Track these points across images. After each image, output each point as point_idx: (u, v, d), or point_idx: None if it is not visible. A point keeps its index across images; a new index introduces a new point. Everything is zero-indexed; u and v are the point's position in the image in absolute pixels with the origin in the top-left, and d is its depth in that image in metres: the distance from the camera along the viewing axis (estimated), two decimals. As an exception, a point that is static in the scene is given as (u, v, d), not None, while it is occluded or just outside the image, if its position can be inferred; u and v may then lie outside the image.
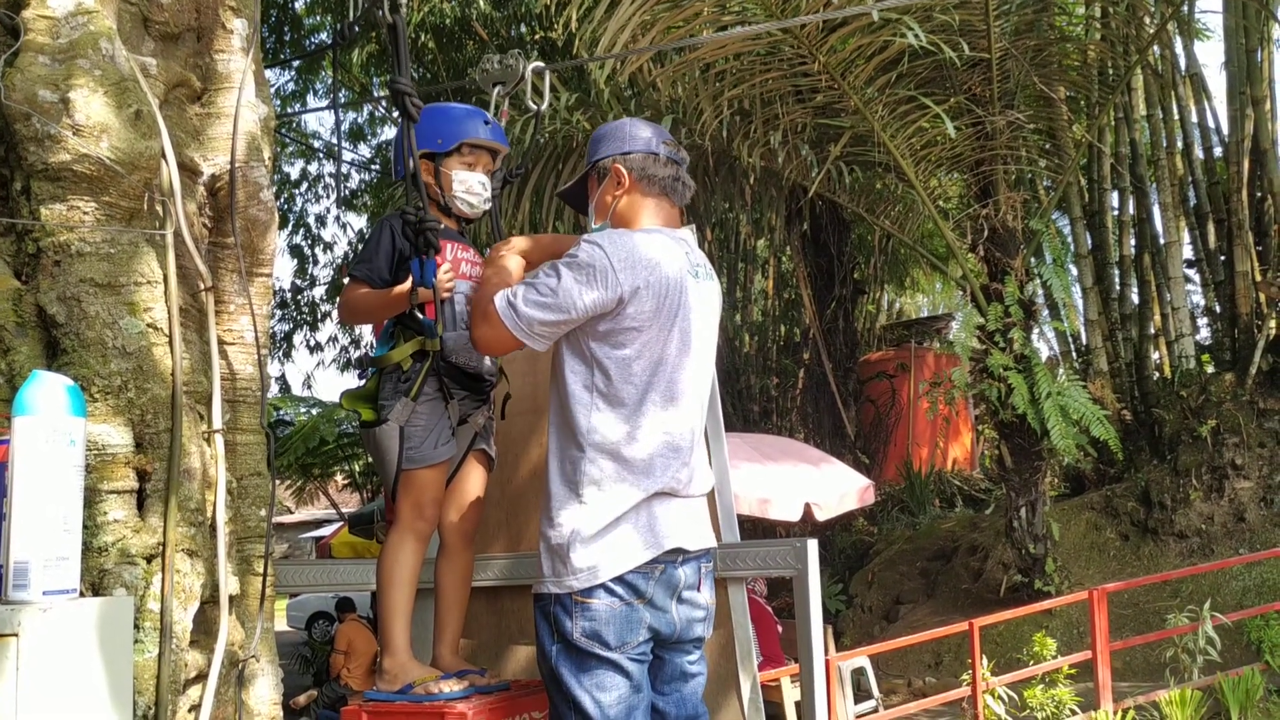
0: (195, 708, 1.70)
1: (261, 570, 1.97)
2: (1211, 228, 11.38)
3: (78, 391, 1.54)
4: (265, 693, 1.95)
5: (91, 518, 1.61)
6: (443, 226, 2.67)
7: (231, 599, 1.79)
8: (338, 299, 2.62)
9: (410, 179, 2.52)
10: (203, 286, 1.88)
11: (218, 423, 1.83)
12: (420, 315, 2.59)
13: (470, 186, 2.76)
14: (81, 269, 1.69)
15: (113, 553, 1.61)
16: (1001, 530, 10.25)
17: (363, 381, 2.76)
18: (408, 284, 2.58)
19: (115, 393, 1.67)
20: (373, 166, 16.56)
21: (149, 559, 1.65)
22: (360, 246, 2.96)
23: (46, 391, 1.49)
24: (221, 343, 1.98)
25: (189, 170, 1.93)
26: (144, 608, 1.61)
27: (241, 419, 1.99)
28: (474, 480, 2.84)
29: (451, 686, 2.63)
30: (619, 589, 2.26)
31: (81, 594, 1.54)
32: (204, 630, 1.76)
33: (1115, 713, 6.99)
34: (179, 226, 1.81)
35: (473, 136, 2.74)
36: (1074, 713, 6.93)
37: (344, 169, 16.73)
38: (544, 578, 2.30)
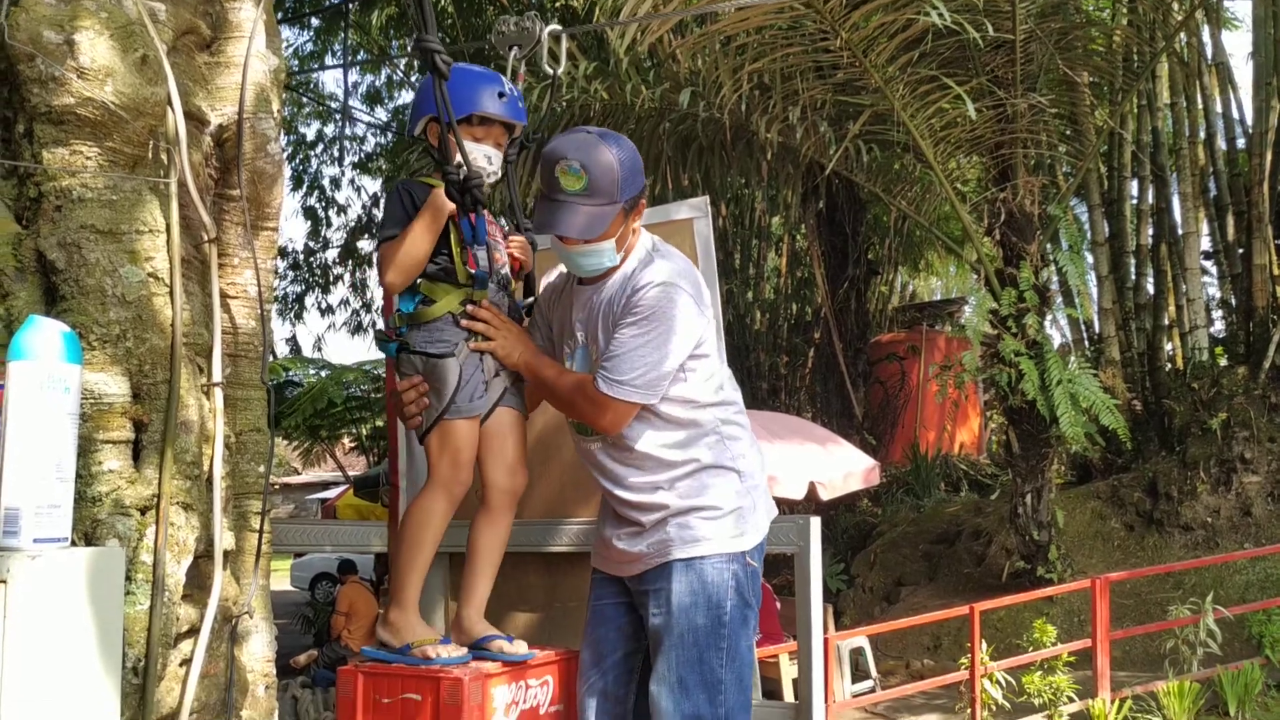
0: (186, 661, 1.69)
1: (258, 527, 1.95)
2: (1231, 220, 11.26)
3: (74, 338, 1.51)
4: (259, 649, 1.94)
5: (86, 467, 1.59)
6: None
7: (227, 554, 1.77)
8: (379, 275, 2.54)
9: (448, 137, 2.43)
10: (206, 238, 1.86)
11: (217, 376, 1.81)
12: (470, 270, 2.53)
13: (475, 159, 2.57)
14: (83, 215, 1.66)
15: (106, 503, 1.59)
16: (1006, 516, 10.23)
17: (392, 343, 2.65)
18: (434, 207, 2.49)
19: (113, 341, 1.65)
20: (389, 130, 16.49)
21: (143, 511, 1.63)
22: (379, 220, 2.84)
23: (43, 337, 1.46)
24: (224, 296, 1.96)
25: (195, 119, 1.90)
26: (137, 560, 1.60)
27: (242, 374, 1.97)
28: (515, 436, 2.70)
29: (450, 652, 2.59)
30: (761, 551, 2.51)
31: (73, 543, 1.53)
32: (198, 585, 1.74)
33: (1113, 702, 6.98)
34: (183, 175, 1.78)
35: (483, 110, 2.56)
36: (1071, 700, 6.93)
37: (360, 131, 16.67)
38: (716, 537, 2.42)
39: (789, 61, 8.53)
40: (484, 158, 2.57)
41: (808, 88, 8.77)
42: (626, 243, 2.45)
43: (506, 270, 2.71)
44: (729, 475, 2.47)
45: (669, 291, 2.35)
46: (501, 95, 2.59)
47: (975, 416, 14.75)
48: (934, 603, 9.90)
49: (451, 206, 2.50)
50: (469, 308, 2.53)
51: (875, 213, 14.46)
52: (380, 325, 2.73)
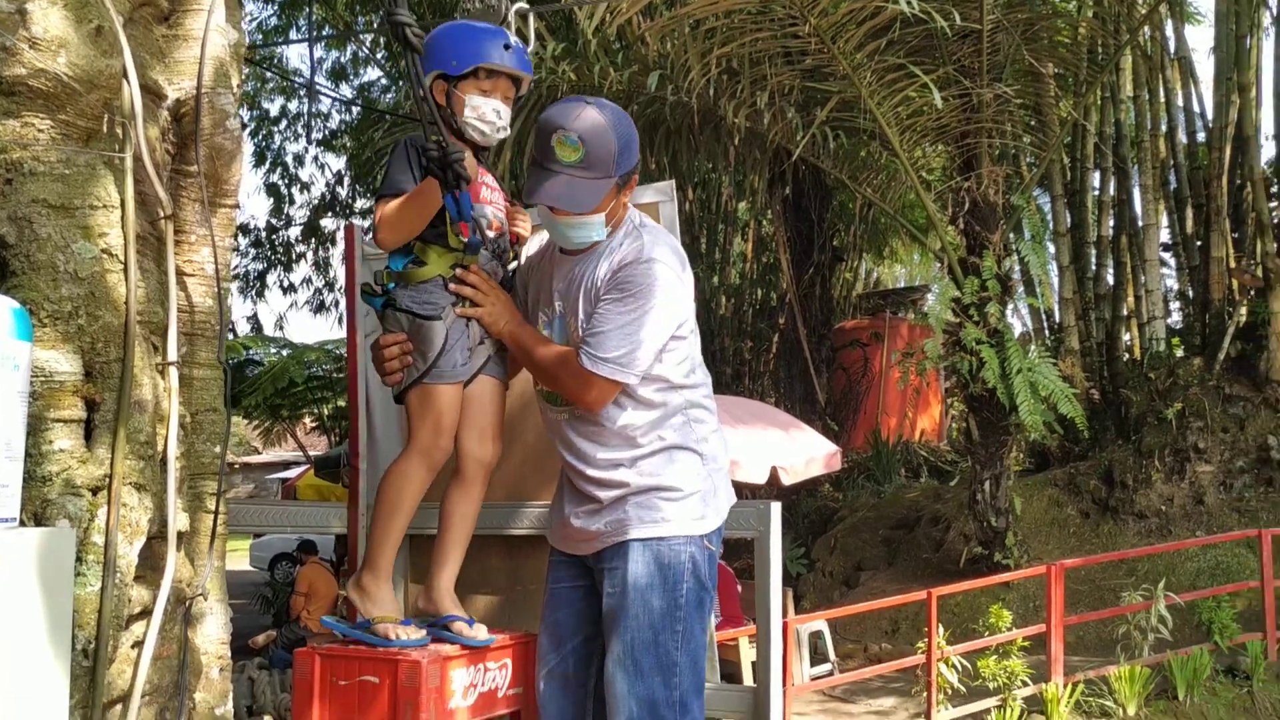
0: (139, 644, 1.67)
1: (214, 508, 1.93)
2: (1190, 212, 11.42)
3: (24, 315, 1.48)
4: (214, 631, 1.92)
5: (36, 446, 1.56)
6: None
7: (181, 535, 1.75)
8: (374, 230, 2.52)
9: (426, 112, 2.35)
10: (162, 214, 1.83)
11: (173, 355, 1.78)
12: (463, 238, 2.49)
13: (483, 113, 2.52)
14: (34, 189, 1.63)
15: (57, 483, 1.57)
16: (965, 502, 10.34)
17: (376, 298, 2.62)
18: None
19: (65, 319, 1.62)
20: (354, 107, 16.31)
21: (95, 491, 1.61)
22: (381, 176, 2.75)
23: (-10, 313, 1.43)
24: (181, 274, 1.93)
25: (152, 93, 1.87)
26: (88, 540, 1.57)
27: (199, 353, 1.95)
28: (494, 406, 2.66)
29: (410, 634, 2.56)
30: (718, 536, 2.52)
31: (22, 524, 1.50)
32: (151, 566, 1.72)
33: (1065, 686, 7.09)
34: (139, 150, 1.75)
35: (489, 61, 2.50)
36: (1025, 684, 7.03)
37: (324, 108, 16.48)
38: (677, 519, 2.42)
39: (757, 46, 8.52)
40: (493, 111, 2.52)
41: (776, 73, 8.77)
42: (615, 217, 2.43)
43: (505, 240, 2.67)
44: (692, 457, 2.47)
45: (657, 269, 2.34)
46: (507, 47, 2.53)
47: (936, 404, 14.89)
48: (893, 587, 10.00)
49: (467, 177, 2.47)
50: (458, 272, 2.50)
51: (841, 200, 14.52)
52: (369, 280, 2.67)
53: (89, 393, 1.62)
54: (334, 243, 17.76)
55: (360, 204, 17.19)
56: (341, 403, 13.87)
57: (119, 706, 1.63)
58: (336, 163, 18.44)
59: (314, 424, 17.02)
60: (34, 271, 1.61)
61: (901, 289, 18.10)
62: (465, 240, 2.48)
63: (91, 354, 1.64)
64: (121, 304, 1.67)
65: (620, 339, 2.32)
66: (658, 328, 2.35)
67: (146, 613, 1.68)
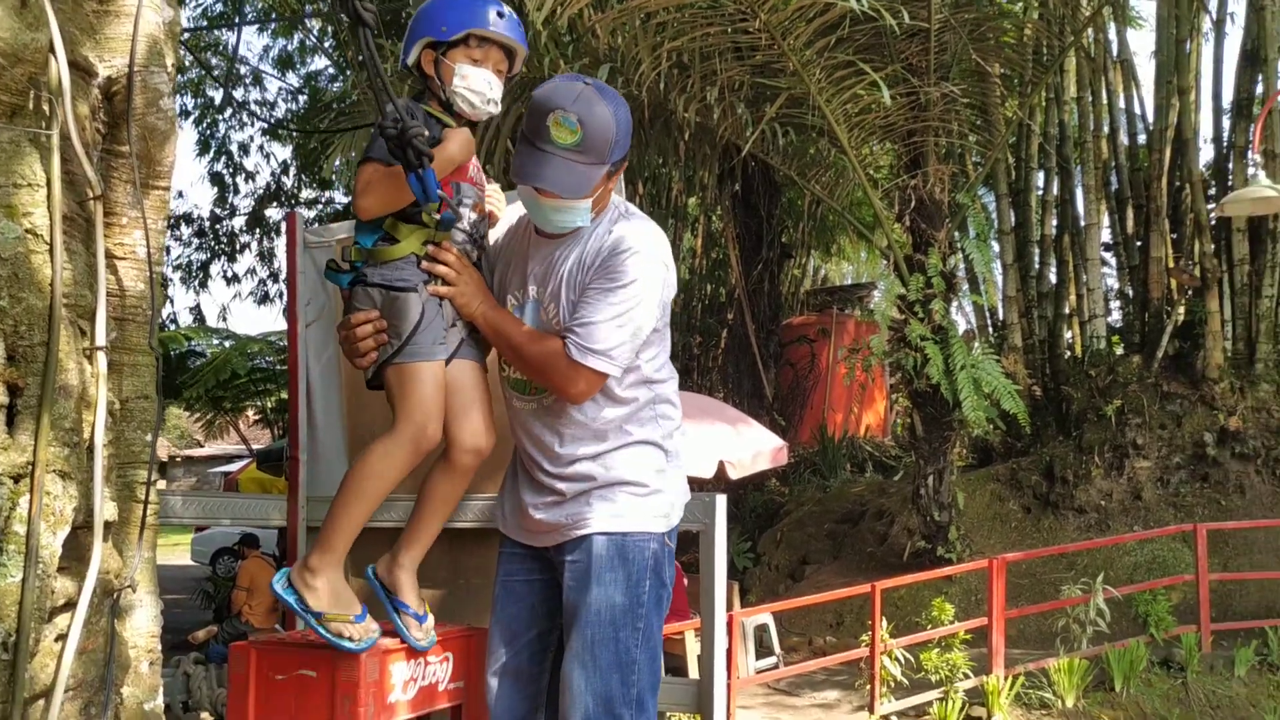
0: (63, 636, 1.61)
1: (144, 497, 1.88)
2: (1130, 213, 11.62)
3: (-59, 296, 1.43)
4: (143, 624, 1.87)
5: (-47, 432, 1.50)
6: (449, 126, 2.40)
7: (108, 525, 1.70)
8: (354, 194, 2.38)
9: (380, 88, 2.22)
10: (91, 195, 1.77)
11: (101, 339, 1.72)
12: (435, 215, 2.35)
13: (472, 83, 2.38)
14: (-47, 165, 1.57)
15: (-24, 470, 1.51)
16: (908, 497, 10.45)
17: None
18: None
19: (-14, 300, 1.56)
20: (300, 95, 16.09)
21: (16, 479, 1.55)
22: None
23: (-95, 292, 1.37)
24: (111, 257, 1.87)
25: (82, 70, 1.81)
26: (9, 530, 1.52)
27: (130, 338, 1.89)
28: (481, 389, 2.51)
29: (361, 635, 2.43)
30: (675, 534, 2.50)
31: (-61, 512, 1.44)
32: (75, 557, 1.67)
33: (1006, 678, 7.19)
34: (66, 128, 1.69)
35: (481, 27, 2.37)
36: (967, 676, 7.11)
37: (270, 97, 16.23)
38: (642, 515, 2.39)
39: (708, 41, 8.52)
40: (483, 81, 2.39)
41: (726, 68, 8.78)
42: (601, 204, 2.38)
43: (485, 224, 2.57)
44: (658, 453, 2.44)
45: (648, 260, 2.30)
46: (500, 15, 2.41)
47: (881, 399, 15.02)
48: (838, 581, 10.08)
49: (462, 159, 2.37)
50: (431, 249, 2.38)
51: (790, 196, 14.58)
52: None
53: (11, 377, 1.56)
54: (279, 233, 17.51)
55: (306, 194, 16.98)
56: (285, 395, 13.69)
57: (41, 702, 1.58)
58: (282, 152, 18.17)
59: (257, 417, 16.77)
60: (-47, 251, 1.55)
61: (848, 286, 18.24)
62: (439, 216, 2.36)
63: (14, 337, 1.58)
64: (46, 286, 1.61)
65: (610, 330, 2.26)
66: (644, 321, 2.31)
67: (71, 605, 1.63)
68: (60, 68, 1.69)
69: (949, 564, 9.09)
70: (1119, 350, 11.44)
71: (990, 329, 12.42)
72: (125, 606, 1.80)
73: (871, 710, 6.89)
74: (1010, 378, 9.63)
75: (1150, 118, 11.33)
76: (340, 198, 16.22)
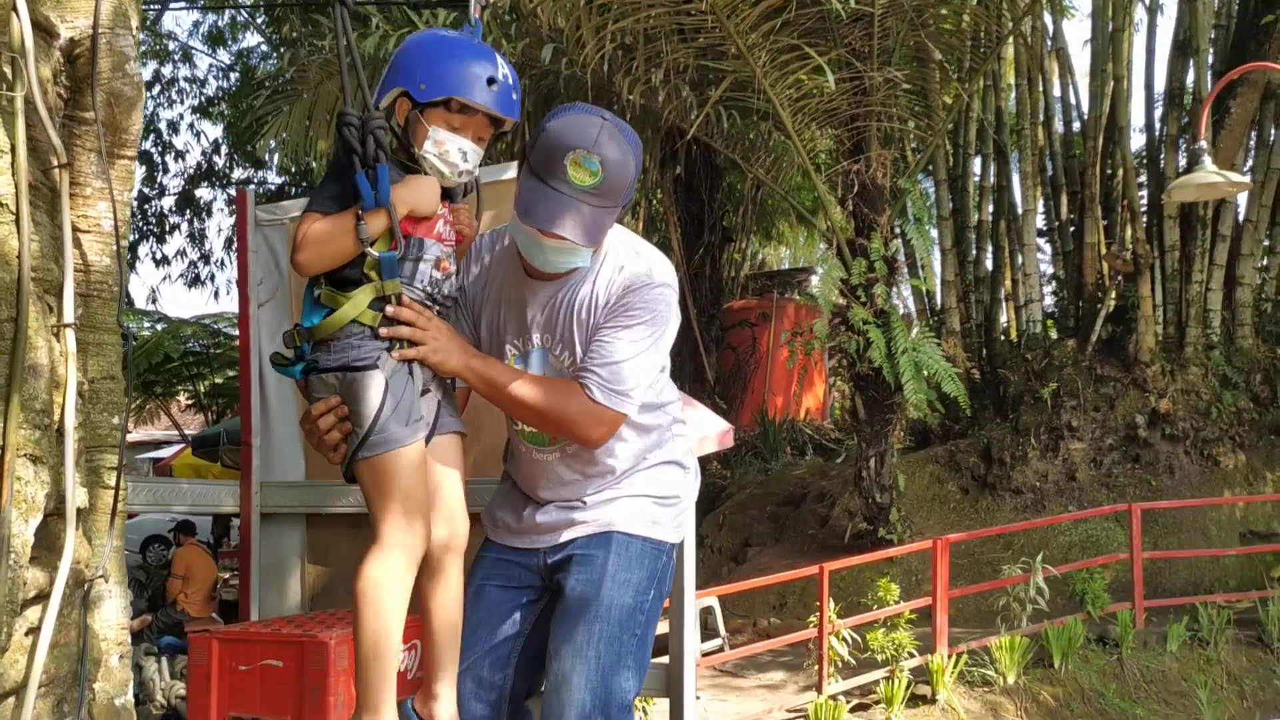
0: (34, 630, 1.53)
1: (112, 483, 1.79)
2: (1065, 199, 11.82)
3: (-94, 266, 1.33)
4: (112, 615, 1.78)
5: (-82, 413, 1.41)
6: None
7: (80, 513, 1.61)
8: (291, 248, 2.04)
9: (347, 69, 2.04)
10: (56, 163, 1.67)
11: (69, 316, 1.63)
12: (372, 251, 2.02)
13: (445, 151, 2.09)
14: (-87, 128, 1.47)
15: (-58, 454, 1.42)
16: (849, 479, 10.55)
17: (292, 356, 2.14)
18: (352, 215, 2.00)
19: (-50, 273, 1.46)
20: (231, 72, 15.69)
21: (-15, 464, 1.46)
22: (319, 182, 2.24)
23: None
24: (75, 230, 1.77)
25: (43, 30, 1.70)
26: (-22, 518, 1.43)
27: (95, 315, 1.79)
28: (457, 471, 2.22)
29: None
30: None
31: (-97, 499, 1.35)
32: (45, 546, 1.58)
33: (950, 657, 7.29)
34: (31, 91, 1.59)
35: (465, 96, 2.06)
36: (912, 655, 7.20)
37: (200, 74, 15.84)
38: (662, 524, 2.35)
39: (652, 22, 8.46)
40: (458, 152, 2.10)
41: (671, 50, 8.73)
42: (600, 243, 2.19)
43: (451, 283, 2.21)
44: (678, 470, 2.42)
45: (667, 294, 2.20)
46: (492, 82, 2.08)
47: (821, 383, 15.15)
48: (780, 563, 10.14)
49: (420, 207, 2.07)
50: (389, 309, 2.04)
51: (730, 181, 14.60)
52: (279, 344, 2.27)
53: (-23, 356, 1.47)
54: (210, 214, 17.10)
55: (238, 173, 16.58)
56: (219, 379, 13.40)
57: (11, 700, 1.49)
58: (213, 130, 17.73)
59: (189, 401, 16.37)
60: (-86, 220, 1.45)
61: (787, 270, 18.35)
62: (377, 254, 2.02)
63: (-20, 313, 1.49)
64: (14, 258, 1.52)
65: (635, 370, 2.15)
66: (661, 356, 2.24)
67: (42, 596, 1.54)
68: (23, 26, 1.59)
69: (890, 545, 9.19)
70: (1054, 334, 11.66)
71: (928, 313, 12.57)
72: (95, 597, 1.71)
73: (819, 690, 6.94)
74: (950, 361, 9.76)
75: (1085, 106, 11.54)
76: (274, 178, 15.87)
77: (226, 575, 8.62)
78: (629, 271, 2.19)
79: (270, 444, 3.68)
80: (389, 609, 1.97)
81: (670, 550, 2.40)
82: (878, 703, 7.06)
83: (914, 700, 7.08)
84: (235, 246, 3.86)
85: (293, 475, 3.60)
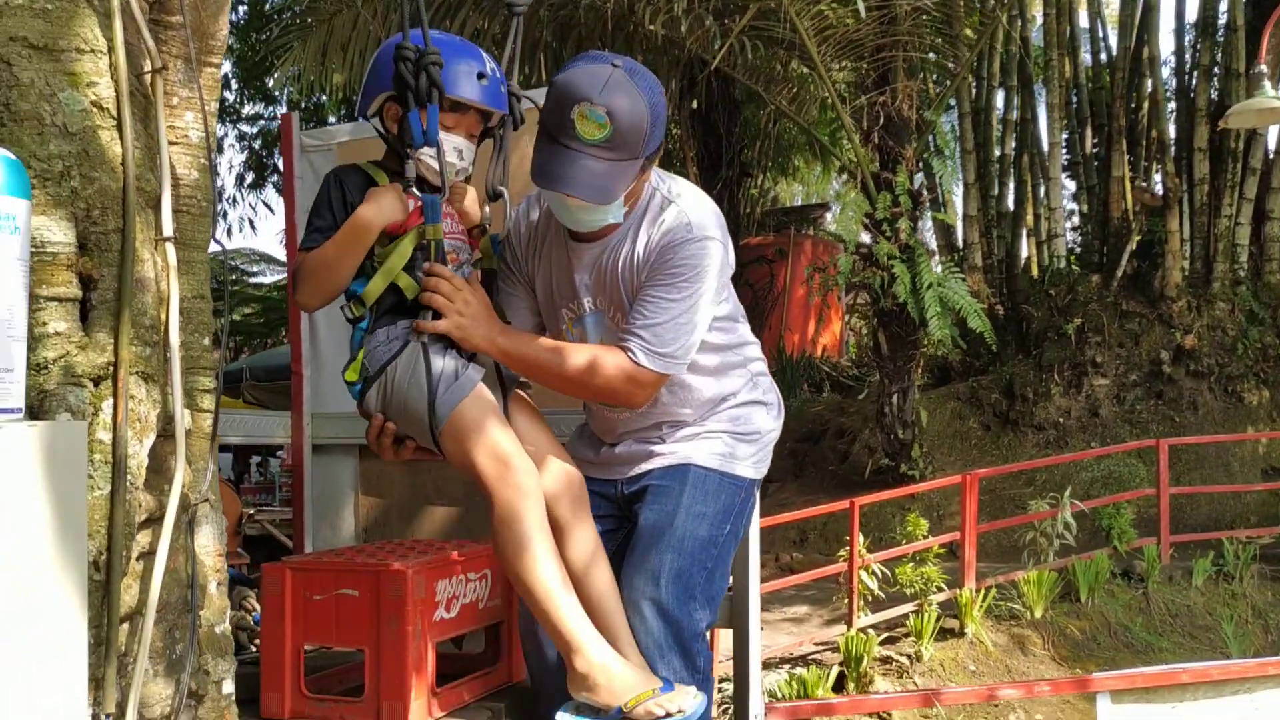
0: (146, 554, 1.47)
1: (206, 406, 1.73)
2: (1090, 132, 11.63)
3: (20, 167, 1.24)
4: (209, 542, 1.73)
5: (28, 329, 1.33)
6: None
7: (188, 434, 1.54)
8: (291, 289, 2.11)
9: (408, 10, 2.02)
10: (149, 67, 1.58)
11: (168, 229, 1.55)
12: (416, 193, 2.05)
13: (443, 151, 2.08)
14: (12, 24, 1.37)
15: (54, 370, 1.34)
16: (870, 415, 10.51)
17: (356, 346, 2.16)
18: (383, 203, 2.02)
19: (56, 179, 1.37)
20: (239, 5, 15.37)
21: (97, 381, 1.39)
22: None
23: (-16, 164, 1.20)
24: (163, 141, 1.68)
25: (129, -74, 1.60)
26: (93, 438, 1.36)
27: (185, 231, 1.71)
28: (539, 426, 2.20)
29: (688, 700, 2.01)
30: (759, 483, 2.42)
31: (19, 417, 1.28)
32: (151, 469, 1.52)
33: (978, 591, 7.31)
34: (125, -12, 1.50)
35: (458, 95, 2.04)
36: (941, 590, 7.21)
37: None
38: (742, 460, 2.30)
39: (676, -52, 8.26)
40: (453, 151, 2.08)
41: (695, -23, 8.54)
42: (635, 195, 2.12)
43: (465, 270, 2.19)
44: (760, 409, 2.36)
45: (708, 247, 2.10)
46: (481, 77, 2.07)
47: (837, 320, 15.07)
48: (800, 499, 10.14)
49: (387, 219, 2.03)
50: (422, 274, 2.03)
51: (747, 114, 14.37)
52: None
53: (85, 267, 1.39)
54: (221, 150, 16.88)
55: (248, 109, 16.34)
56: (237, 316, 13.29)
57: (126, 625, 1.44)
58: (223, 65, 17.45)
59: (208, 339, 16.28)
60: (16, 123, 1.36)
61: (803, 206, 18.16)
62: (421, 197, 2.04)
63: (87, 223, 1.40)
64: (118, 165, 1.43)
65: (677, 330, 2.08)
66: (708, 312, 2.15)
67: (152, 520, 1.49)
68: (114, -79, 1.49)
69: (912, 481, 9.17)
70: (1077, 269, 11.55)
71: (950, 249, 12.45)
72: (196, 521, 1.66)
73: (850, 624, 6.96)
74: (974, 296, 9.67)
75: (1113, 37, 11.30)
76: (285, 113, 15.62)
77: (251, 511, 8.62)
78: (668, 226, 2.12)
79: (320, 374, 3.62)
80: (531, 553, 1.94)
81: (749, 486, 2.35)
82: (906, 635, 7.09)
83: (942, 633, 7.11)
84: (281, 172, 3.77)
85: (345, 406, 3.54)
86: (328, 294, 2.08)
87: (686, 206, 2.13)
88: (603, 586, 2.12)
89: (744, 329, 2.38)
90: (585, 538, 2.13)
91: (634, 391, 2.13)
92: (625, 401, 2.17)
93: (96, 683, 1.36)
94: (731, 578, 3.19)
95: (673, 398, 2.27)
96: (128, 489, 1.38)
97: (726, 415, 2.31)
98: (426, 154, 2.05)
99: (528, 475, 1.97)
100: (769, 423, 2.38)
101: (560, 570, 1.97)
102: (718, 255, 2.13)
